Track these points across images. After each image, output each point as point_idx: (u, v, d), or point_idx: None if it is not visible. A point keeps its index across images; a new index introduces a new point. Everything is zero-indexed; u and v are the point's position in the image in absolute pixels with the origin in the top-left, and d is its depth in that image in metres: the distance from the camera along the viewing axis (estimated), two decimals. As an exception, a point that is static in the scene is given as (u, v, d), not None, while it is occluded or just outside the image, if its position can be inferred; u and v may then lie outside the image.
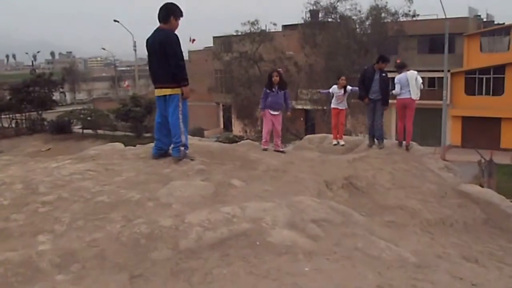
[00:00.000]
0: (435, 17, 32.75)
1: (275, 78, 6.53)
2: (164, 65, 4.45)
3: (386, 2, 20.62)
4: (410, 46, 37.13)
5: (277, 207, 2.99)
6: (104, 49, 58.53)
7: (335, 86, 8.02)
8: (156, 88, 4.73)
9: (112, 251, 2.54)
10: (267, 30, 25.61)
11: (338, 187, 4.82)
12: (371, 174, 6.21)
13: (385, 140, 7.72)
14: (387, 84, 7.24)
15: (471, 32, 32.66)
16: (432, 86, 33.43)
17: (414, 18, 20.87)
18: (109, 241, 2.64)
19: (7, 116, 40.06)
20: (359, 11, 20.52)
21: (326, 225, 2.94)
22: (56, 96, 60.08)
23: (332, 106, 8.10)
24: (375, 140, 7.59)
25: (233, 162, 3.97)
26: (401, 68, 7.35)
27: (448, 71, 30.32)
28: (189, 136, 4.69)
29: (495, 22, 36.85)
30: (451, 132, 31.40)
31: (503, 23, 34.04)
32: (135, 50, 42.14)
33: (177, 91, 4.51)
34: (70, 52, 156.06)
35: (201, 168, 3.84)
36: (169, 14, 4.53)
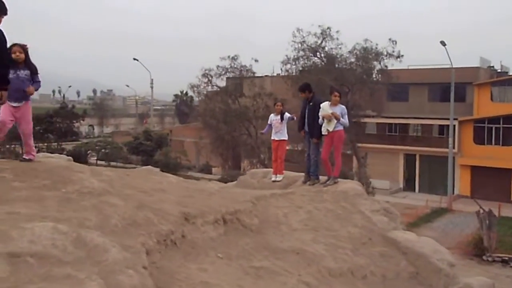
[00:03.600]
0: (447, 66, 32.49)
1: (18, 56, 4.57)
2: None
3: (377, 44, 20.48)
4: (421, 93, 36.92)
5: None
6: (127, 86, 61.17)
7: (272, 114, 7.41)
8: None
9: None
10: (248, 66, 25.89)
11: (205, 221, 4.28)
12: (283, 212, 5.56)
13: (320, 177, 6.94)
14: (314, 115, 6.65)
15: (481, 81, 32.14)
16: (441, 134, 32.56)
17: (399, 60, 20.66)
18: None
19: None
20: (350, 52, 20.37)
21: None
22: (84, 128, 62.94)
23: (272, 137, 7.42)
24: (310, 176, 6.96)
25: (42, 182, 3.59)
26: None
27: (456, 119, 29.63)
28: (46, 154, 4.47)
29: (510, 74, 36.17)
30: (460, 181, 30.05)
31: (517, 74, 33.37)
32: (151, 87, 43.51)
33: None
34: (111, 90, 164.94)
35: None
36: None
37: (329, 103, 6.53)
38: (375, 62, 19.74)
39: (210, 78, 25.53)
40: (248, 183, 8.00)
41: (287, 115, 7.32)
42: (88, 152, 40.89)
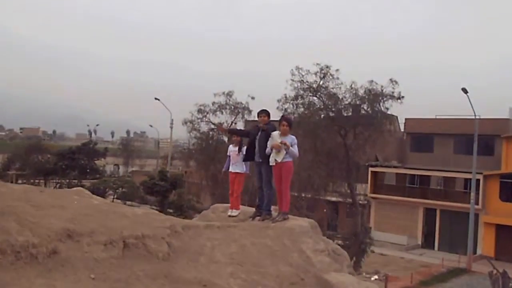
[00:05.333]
0: (477, 116, 31.03)
1: None
2: None
3: (382, 86, 19.60)
4: (446, 145, 35.48)
5: None
6: (151, 126, 62.89)
7: (231, 145, 7.15)
8: None
9: None
10: (244, 103, 25.66)
11: (94, 241, 4.02)
12: (212, 244, 5.29)
13: (273, 213, 6.48)
14: (266, 140, 6.35)
15: (511, 133, 30.50)
16: (466, 189, 30.80)
17: (400, 101, 19.62)
18: None
19: (54, 180, 42.93)
20: (354, 94, 19.56)
21: None
22: (110, 167, 64.76)
23: (229, 169, 7.10)
24: (261, 210, 6.55)
25: None
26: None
27: (481, 173, 27.95)
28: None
29: (542, 126, 34.15)
30: (483, 240, 27.78)
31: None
32: (171, 128, 44.07)
33: None
34: (144, 132, 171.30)
35: None
36: None
37: (279, 132, 6.25)
38: (367, 103, 19.02)
39: (205, 114, 25.59)
40: (208, 217, 7.82)
41: (244, 149, 6.99)
42: (106, 190, 41.47)
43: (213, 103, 24.15)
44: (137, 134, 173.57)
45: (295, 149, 6.24)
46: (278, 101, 18.55)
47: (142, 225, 5.13)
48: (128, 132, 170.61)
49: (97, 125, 73.55)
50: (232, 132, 7.49)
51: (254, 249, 5.56)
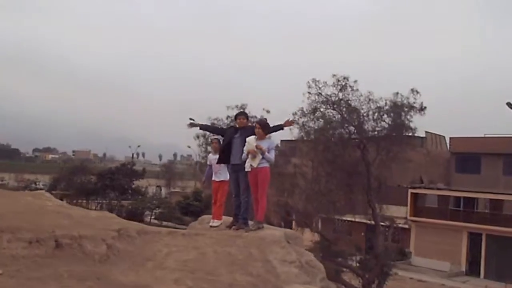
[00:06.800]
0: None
1: None
2: None
3: (407, 98, 18.10)
4: (495, 165, 32.80)
5: None
6: (189, 147, 63.76)
7: (210, 154, 6.94)
8: None
9: None
10: (259, 117, 24.55)
11: (17, 238, 3.95)
12: (169, 251, 5.14)
13: (252, 223, 6.13)
14: (242, 145, 6.06)
15: None
16: (518, 213, 28.16)
17: (423, 112, 17.91)
18: None
19: (96, 200, 44.37)
20: (377, 107, 18.22)
21: None
22: (152, 189, 66.28)
23: (212, 178, 6.86)
24: (238, 219, 6.22)
25: None
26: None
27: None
28: None
29: None
30: (535, 269, 24.91)
31: None
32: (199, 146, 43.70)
33: None
34: (190, 155, 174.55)
35: None
36: None
37: (255, 137, 6.01)
38: (392, 115, 17.66)
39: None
40: (195, 228, 7.71)
41: None
42: (144, 210, 42.07)
43: (227, 117, 23.49)
44: (183, 157, 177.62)
45: (271, 154, 6.01)
46: (294, 114, 17.84)
47: (84, 226, 5.01)
48: (175, 155, 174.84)
49: (139, 146, 75.72)
50: (203, 128, 7.18)
51: (214, 257, 5.29)
